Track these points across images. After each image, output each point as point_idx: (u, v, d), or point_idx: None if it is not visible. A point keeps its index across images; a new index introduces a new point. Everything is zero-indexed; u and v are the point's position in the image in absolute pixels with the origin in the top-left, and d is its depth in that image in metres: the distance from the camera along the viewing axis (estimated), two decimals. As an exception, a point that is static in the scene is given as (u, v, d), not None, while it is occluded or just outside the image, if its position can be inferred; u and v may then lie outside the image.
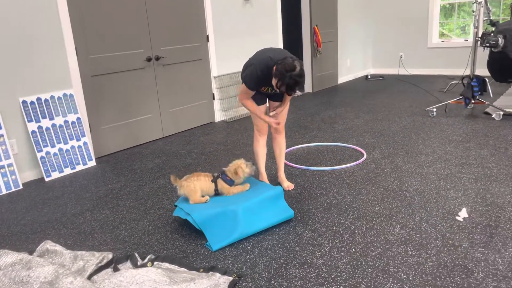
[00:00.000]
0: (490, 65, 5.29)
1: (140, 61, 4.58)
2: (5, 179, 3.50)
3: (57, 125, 3.85)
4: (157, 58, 4.73)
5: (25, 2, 3.57)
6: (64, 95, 3.91)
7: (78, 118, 4.00)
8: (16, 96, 3.60)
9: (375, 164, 3.60)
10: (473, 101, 5.05)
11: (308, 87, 7.39)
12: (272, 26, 6.40)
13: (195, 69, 5.25)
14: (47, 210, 3.11)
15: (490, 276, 2.00)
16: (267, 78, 2.72)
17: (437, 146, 3.95)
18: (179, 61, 5.02)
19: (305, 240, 2.44)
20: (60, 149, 3.85)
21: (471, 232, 2.40)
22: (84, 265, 2.19)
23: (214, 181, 2.69)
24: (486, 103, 5.11)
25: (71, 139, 3.94)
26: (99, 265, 2.21)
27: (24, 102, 3.64)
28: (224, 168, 2.79)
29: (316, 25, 7.09)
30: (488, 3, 4.81)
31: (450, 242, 2.31)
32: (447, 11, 8.45)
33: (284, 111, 3.06)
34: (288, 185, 3.19)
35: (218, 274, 2.09)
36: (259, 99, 2.98)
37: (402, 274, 2.06)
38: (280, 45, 6.60)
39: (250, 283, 2.06)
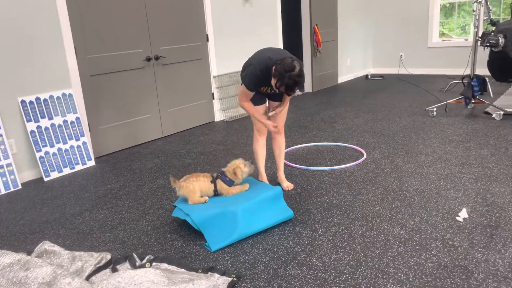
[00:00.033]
0: (491, 64, 5.28)
1: (140, 60, 4.57)
2: (4, 179, 3.49)
3: (56, 125, 3.84)
4: (157, 58, 4.72)
5: (24, 2, 3.56)
6: (63, 94, 3.90)
7: (77, 118, 3.99)
8: (15, 96, 3.59)
9: (375, 164, 3.59)
10: (473, 101, 5.04)
11: (308, 87, 7.38)
12: (272, 25, 6.39)
13: (194, 69, 5.24)
14: (46, 210, 3.10)
15: (490, 277, 1.99)
16: (267, 78, 2.71)
17: (437, 146, 3.94)
18: (179, 60, 5.01)
19: (304, 240, 2.43)
20: (59, 149, 3.84)
21: (471, 233, 2.39)
22: (83, 266, 2.18)
23: (213, 181, 2.68)
24: (487, 102, 5.10)
25: (70, 139, 3.93)
26: (98, 265, 2.20)
27: (23, 101, 3.63)
28: (223, 169, 2.78)
29: (316, 25, 7.08)
30: (488, 2, 4.79)
31: (450, 242, 2.30)
32: (447, 11, 8.43)
33: (283, 111, 3.05)
34: (287, 185, 3.18)
35: (217, 275, 2.08)
36: (258, 99, 2.97)
37: (402, 275, 2.05)
38: (280, 44, 6.59)
39: (249, 284, 2.05)
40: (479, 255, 2.17)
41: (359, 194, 3.00)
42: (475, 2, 4.79)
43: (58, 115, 3.85)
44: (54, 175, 3.78)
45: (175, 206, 2.70)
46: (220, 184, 2.69)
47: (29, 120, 3.66)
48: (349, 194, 3.01)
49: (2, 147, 3.50)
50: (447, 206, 2.74)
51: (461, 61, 8.05)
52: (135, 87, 4.57)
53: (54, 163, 3.79)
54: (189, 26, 5.09)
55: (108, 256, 2.29)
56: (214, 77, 5.50)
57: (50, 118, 3.80)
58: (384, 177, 3.28)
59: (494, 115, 4.79)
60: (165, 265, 2.20)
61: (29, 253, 2.38)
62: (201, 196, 2.64)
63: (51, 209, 3.11)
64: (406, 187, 3.07)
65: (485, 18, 4.96)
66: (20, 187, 3.57)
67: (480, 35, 4.86)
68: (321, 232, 2.51)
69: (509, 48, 4.77)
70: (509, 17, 7.37)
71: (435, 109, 5.10)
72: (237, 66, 5.83)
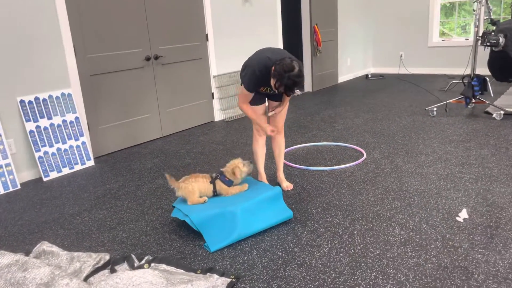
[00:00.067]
0: (491, 64, 5.27)
1: (139, 60, 4.56)
2: (3, 179, 3.48)
3: (55, 125, 3.83)
4: (156, 58, 4.71)
5: (23, 2, 3.55)
6: (62, 94, 3.89)
7: (77, 118, 3.98)
8: (14, 96, 3.58)
9: (374, 164, 3.58)
10: (473, 101, 5.02)
11: (308, 86, 7.37)
12: (272, 25, 6.38)
13: (194, 69, 5.23)
14: (44, 210, 3.09)
15: (491, 278, 1.98)
16: (266, 78, 2.70)
17: (437, 146, 3.93)
18: (178, 60, 5.00)
19: (304, 241, 2.42)
20: (59, 149, 3.83)
21: (472, 233, 2.38)
22: (81, 267, 2.17)
23: (213, 182, 2.67)
24: (487, 102, 5.09)
25: (70, 138, 3.92)
26: (96, 266, 2.19)
27: (22, 101, 3.62)
28: (222, 169, 2.77)
29: (316, 24, 7.07)
30: (488, 2, 4.78)
31: (450, 243, 2.29)
32: (447, 10, 8.42)
33: (283, 111, 3.04)
34: (287, 185, 3.17)
35: (216, 276, 2.08)
36: (258, 99, 2.96)
37: (402, 276, 2.04)
38: (280, 44, 6.58)
39: (248, 285, 2.04)
40: (479, 255, 2.16)
41: (359, 194, 2.99)
42: (475, 1, 4.77)
43: (57, 115, 3.85)
44: (53, 175, 3.77)
45: (174, 207, 2.69)
46: (220, 184, 2.68)
47: (28, 120, 3.65)
48: (349, 194, 3.00)
49: (1, 147, 3.49)
50: (447, 206, 2.73)
51: (462, 60, 8.04)
52: (135, 87, 4.56)
53: (53, 163, 3.78)
54: (189, 26, 5.08)
55: (107, 257, 2.28)
56: (214, 76, 5.49)
57: (49, 118, 3.79)
58: (384, 177, 3.27)
59: (494, 115, 4.78)
60: (163, 266, 2.19)
61: (27, 253, 2.37)
62: (200, 197, 2.63)
63: (50, 209, 3.10)
64: (406, 187, 3.06)
65: (485, 17, 4.95)
66: (19, 187, 3.57)
67: (480, 34, 4.85)
68: (320, 232, 2.50)
69: (510, 47, 4.76)
70: (509, 17, 7.36)
71: (435, 109, 5.09)
72: (237, 65, 5.82)
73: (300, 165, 3.66)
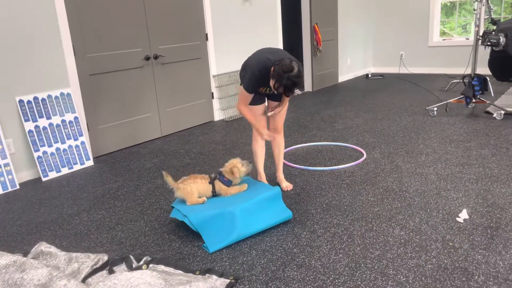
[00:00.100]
0: (491, 63, 5.26)
1: (139, 60, 4.55)
2: (2, 179, 3.47)
3: (54, 125, 3.82)
4: (156, 57, 4.70)
5: (22, 1, 3.54)
6: (62, 94, 3.88)
7: (76, 118, 3.97)
8: (12, 95, 3.57)
9: (374, 164, 3.57)
10: (474, 100, 5.01)
11: (308, 86, 7.36)
12: (272, 24, 6.36)
13: (194, 68, 5.22)
14: (43, 210, 3.08)
15: (491, 279, 1.97)
16: (265, 79, 2.69)
17: (438, 146, 3.92)
18: (178, 60, 4.99)
19: (303, 241, 2.41)
20: (58, 149, 3.82)
21: (472, 234, 2.37)
22: (79, 267, 2.16)
23: (212, 182, 2.66)
24: (487, 102, 5.08)
25: (69, 138, 3.91)
26: (94, 267, 2.18)
27: (21, 101, 3.61)
28: (220, 169, 2.76)
29: (316, 24, 7.05)
30: (489, 1, 4.77)
31: (450, 244, 2.28)
32: (448, 10, 8.40)
33: (282, 111, 3.03)
34: (286, 185, 3.16)
35: (214, 277, 2.07)
36: (257, 99, 2.95)
37: (402, 277, 2.02)
38: (280, 43, 6.57)
39: (247, 286, 2.03)
40: (479, 256, 2.15)
41: (358, 195, 2.98)
42: (476, 1, 4.76)
43: (56, 115, 3.83)
44: (52, 175, 3.76)
45: (173, 207, 2.68)
46: (219, 184, 2.67)
47: (27, 120, 3.64)
48: (349, 195, 2.99)
49: (0, 147, 3.48)
50: (447, 206, 2.71)
51: (462, 60, 8.02)
52: (134, 87, 4.55)
53: (52, 163, 3.77)
54: (189, 25, 5.06)
55: (105, 257, 2.27)
56: (214, 76, 5.48)
57: (48, 118, 3.78)
58: (384, 177, 3.26)
59: (495, 115, 4.76)
60: (162, 267, 2.17)
61: (25, 254, 2.36)
62: (199, 197, 2.62)
63: (49, 209, 3.09)
64: (406, 188, 3.05)
65: (486, 17, 4.93)
66: (18, 187, 3.56)
67: (481, 34, 4.83)
68: (320, 233, 2.49)
69: (510, 47, 4.74)
70: (510, 16, 7.34)
71: (435, 109, 5.08)
72: (237, 65, 5.81)
73: (300, 165, 3.64)
